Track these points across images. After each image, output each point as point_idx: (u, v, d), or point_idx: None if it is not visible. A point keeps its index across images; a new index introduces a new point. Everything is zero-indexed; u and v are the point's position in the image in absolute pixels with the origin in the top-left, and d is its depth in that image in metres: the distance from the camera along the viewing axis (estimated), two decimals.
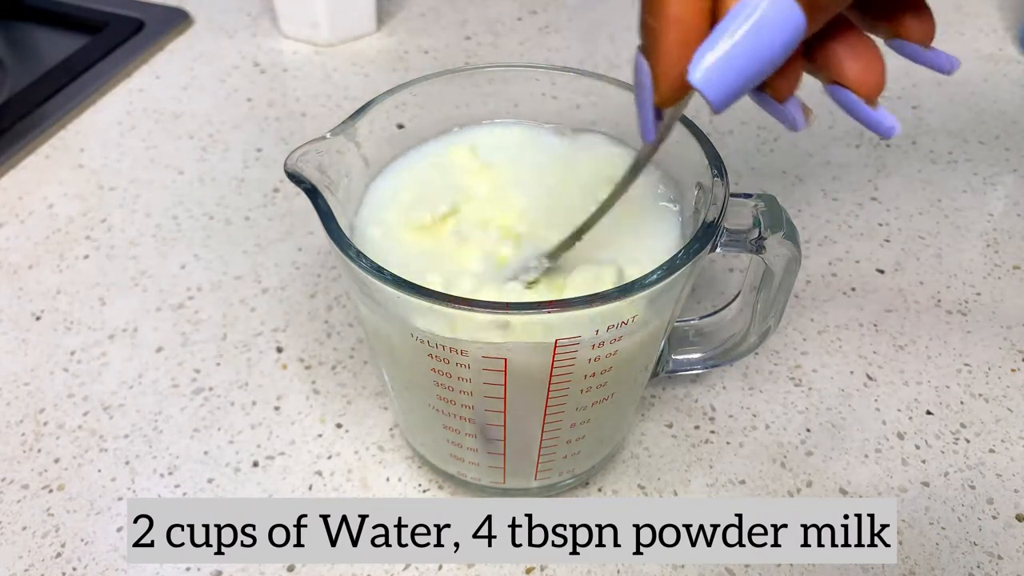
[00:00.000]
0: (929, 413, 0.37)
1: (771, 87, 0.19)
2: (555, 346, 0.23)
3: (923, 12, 0.21)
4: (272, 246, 0.44)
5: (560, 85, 0.30)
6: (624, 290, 0.22)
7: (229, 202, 0.47)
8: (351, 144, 0.28)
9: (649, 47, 0.19)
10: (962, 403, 0.37)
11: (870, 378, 0.38)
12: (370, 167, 0.29)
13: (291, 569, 0.31)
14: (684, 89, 0.18)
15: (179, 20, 0.61)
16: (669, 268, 0.23)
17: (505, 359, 0.24)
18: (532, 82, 0.31)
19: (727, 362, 0.34)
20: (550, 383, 0.25)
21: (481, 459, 0.30)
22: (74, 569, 0.31)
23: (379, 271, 0.23)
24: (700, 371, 0.35)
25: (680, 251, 0.23)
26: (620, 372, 0.26)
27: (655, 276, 0.23)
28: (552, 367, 0.24)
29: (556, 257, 0.26)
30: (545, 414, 0.27)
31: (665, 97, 0.19)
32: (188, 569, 0.31)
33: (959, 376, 0.38)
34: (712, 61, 0.17)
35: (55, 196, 0.47)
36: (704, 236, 0.24)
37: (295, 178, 0.25)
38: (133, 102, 0.54)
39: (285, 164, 0.25)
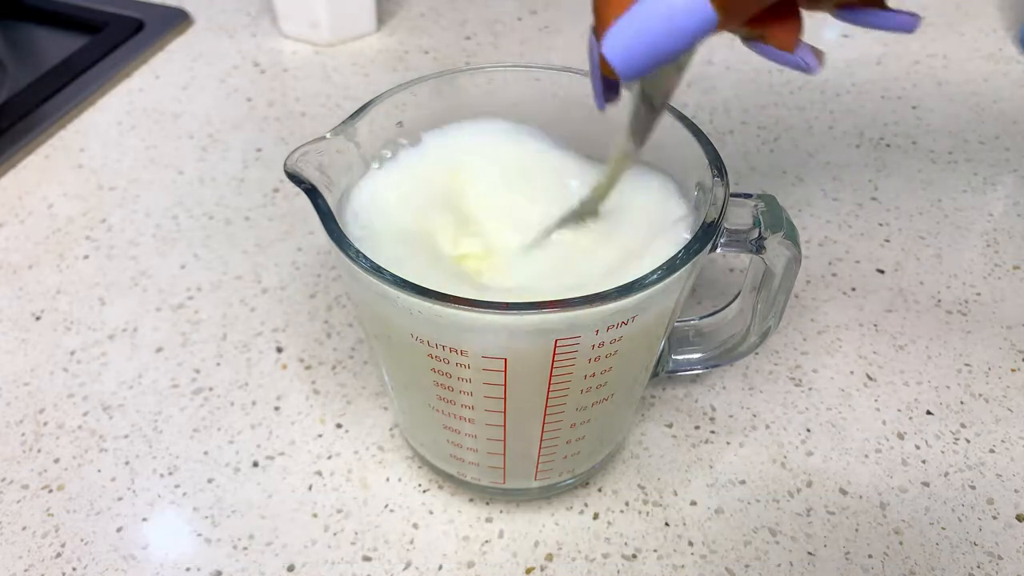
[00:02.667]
0: (929, 413, 0.37)
1: (776, 41, 0.21)
2: (555, 346, 0.23)
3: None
4: (272, 246, 0.44)
5: (560, 84, 0.30)
6: (623, 290, 0.22)
7: (229, 202, 0.47)
8: (351, 144, 0.28)
9: (595, 24, 0.21)
10: (962, 403, 0.37)
11: (870, 378, 0.38)
12: (369, 167, 0.29)
13: (291, 569, 0.31)
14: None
15: (179, 20, 0.61)
16: (669, 268, 0.23)
17: (505, 359, 0.24)
18: (533, 82, 0.31)
19: (727, 362, 0.34)
20: (550, 383, 0.25)
21: (481, 459, 0.30)
22: (74, 569, 0.31)
23: (378, 271, 0.23)
24: (700, 371, 0.35)
25: (680, 251, 0.23)
26: (620, 372, 0.26)
27: (655, 276, 0.23)
28: (552, 367, 0.24)
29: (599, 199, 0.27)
30: (545, 414, 0.27)
31: (607, 68, 0.20)
32: (188, 569, 0.31)
33: (959, 376, 0.38)
34: (619, 36, 0.19)
35: (55, 196, 0.47)
36: (704, 236, 0.24)
37: (295, 178, 0.25)
38: (133, 102, 0.54)
39: (285, 164, 0.25)
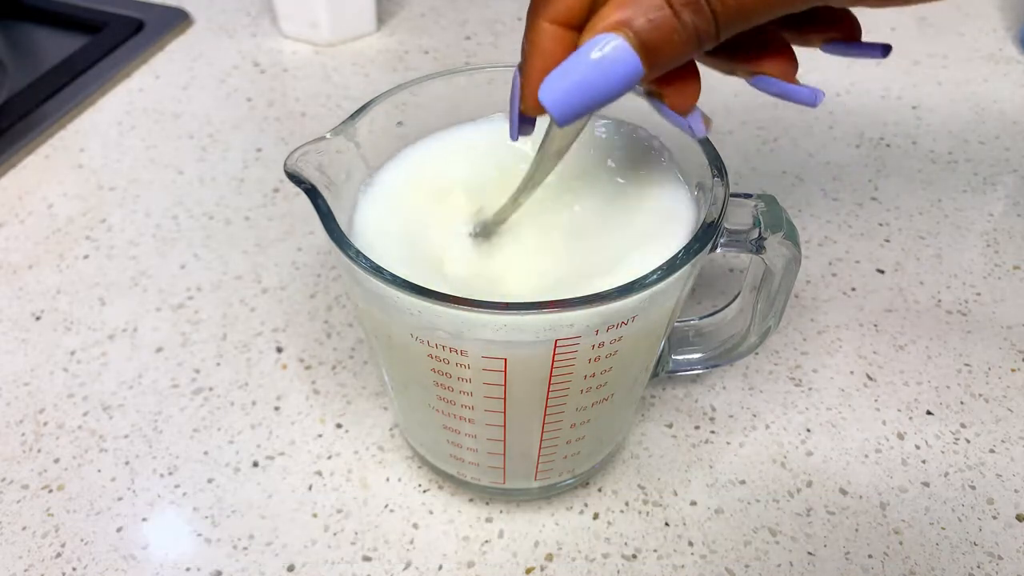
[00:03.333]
0: (929, 413, 0.37)
1: (671, 102, 0.23)
2: (555, 346, 0.23)
3: (785, 52, 0.24)
4: (272, 246, 0.44)
5: None
6: (623, 290, 0.22)
7: (229, 202, 0.47)
8: (351, 144, 0.28)
9: (523, 65, 0.23)
10: (962, 403, 0.37)
11: (870, 378, 0.38)
12: (370, 167, 0.29)
13: (291, 569, 0.31)
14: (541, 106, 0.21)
15: (179, 20, 0.61)
16: (669, 268, 0.23)
17: (505, 359, 0.24)
18: None
19: (727, 362, 0.34)
20: (550, 383, 0.25)
21: (481, 459, 0.30)
22: (74, 569, 0.31)
23: (379, 271, 0.23)
24: (700, 371, 0.35)
25: (680, 251, 0.23)
26: (620, 372, 0.26)
27: (655, 276, 0.23)
28: (552, 367, 0.24)
29: (500, 222, 0.27)
30: (545, 414, 0.27)
31: (528, 106, 0.22)
32: (188, 569, 0.31)
33: (959, 376, 0.38)
34: (555, 86, 0.20)
35: (55, 196, 0.47)
36: (704, 236, 0.24)
37: (295, 178, 0.25)
38: (133, 102, 0.54)
39: (285, 164, 0.25)
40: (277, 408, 0.37)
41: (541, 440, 0.29)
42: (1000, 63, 0.57)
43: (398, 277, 0.22)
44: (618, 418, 0.31)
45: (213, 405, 0.37)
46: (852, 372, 0.38)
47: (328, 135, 0.27)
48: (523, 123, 0.25)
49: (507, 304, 0.22)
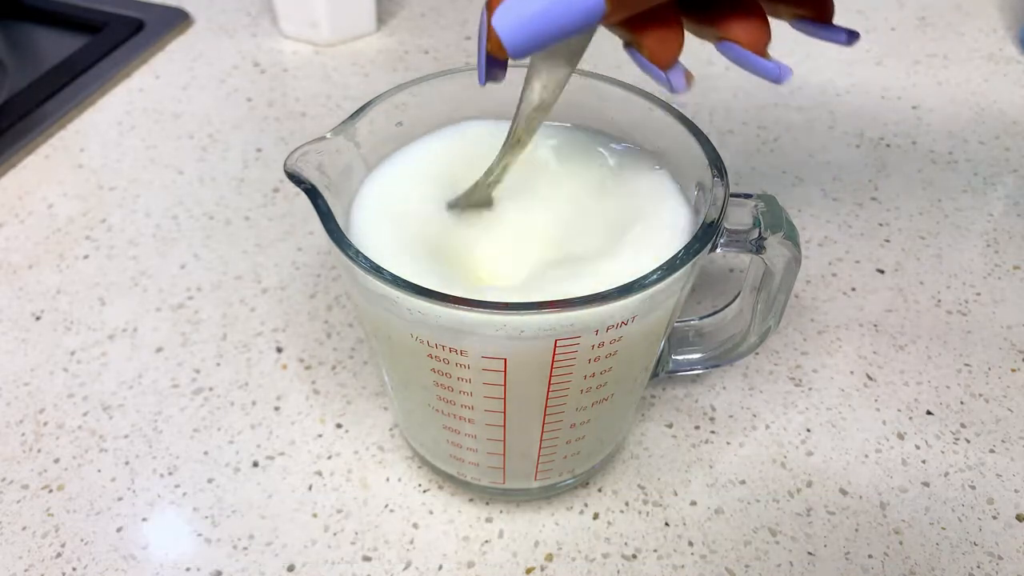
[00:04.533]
0: (929, 413, 0.37)
1: (650, 53, 0.21)
2: (555, 346, 0.23)
3: (757, 19, 0.23)
4: (272, 246, 0.44)
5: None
6: (623, 290, 0.22)
7: (229, 202, 0.47)
8: (351, 144, 0.28)
9: (489, 0, 0.21)
10: (962, 403, 0.37)
11: (870, 378, 0.38)
12: (369, 167, 0.29)
13: (291, 569, 0.31)
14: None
15: (179, 20, 0.61)
16: (669, 268, 0.23)
17: (504, 359, 0.24)
18: None
19: (727, 362, 0.34)
20: (550, 383, 0.25)
21: (481, 459, 0.30)
22: (74, 569, 0.31)
23: (378, 271, 0.23)
24: (700, 371, 0.35)
25: (680, 251, 0.23)
26: (620, 372, 0.26)
27: (655, 276, 0.23)
28: (552, 367, 0.24)
29: (488, 187, 0.27)
30: (545, 414, 0.27)
31: (494, 46, 0.21)
32: (188, 569, 0.31)
33: (959, 376, 0.38)
34: (511, 13, 0.19)
35: (55, 196, 0.47)
36: (704, 236, 0.24)
37: (295, 178, 0.25)
38: (133, 102, 0.54)
39: (285, 164, 0.25)
40: (277, 408, 0.37)
41: (541, 440, 0.29)
42: (1000, 63, 0.57)
43: (397, 277, 0.22)
44: (618, 418, 0.31)
45: (213, 405, 0.37)
46: (852, 372, 0.38)
47: (328, 135, 0.27)
48: (491, 66, 0.23)
49: (507, 304, 0.22)
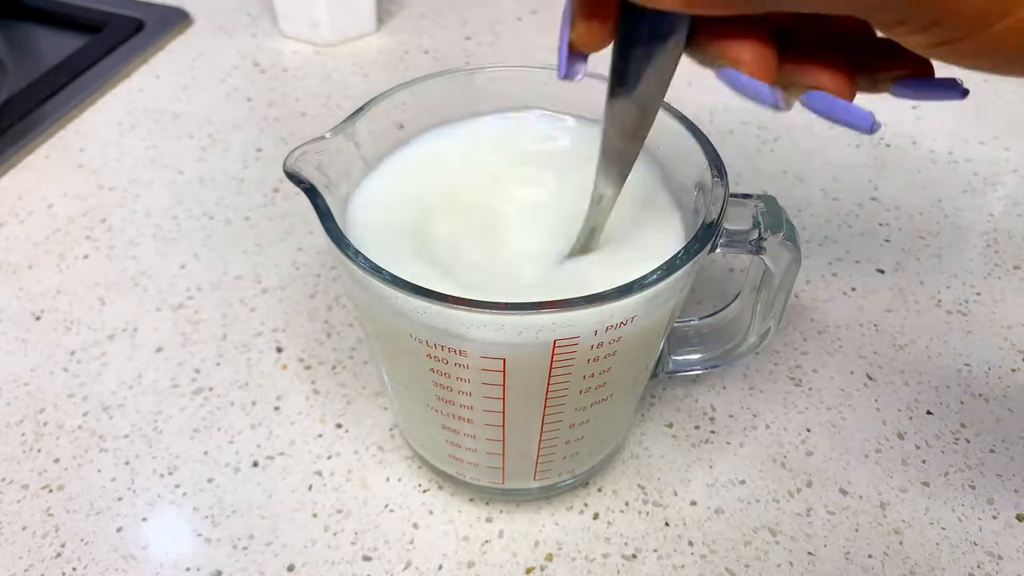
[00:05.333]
0: (929, 413, 0.37)
1: (749, 68, 0.20)
2: (554, 346, 0.23)
3: (841, 68, 0.21)
4: (272, 246, 0.44)
5: (560, 84, 0.30)
6: (623, 290, 0.22)
7: (229, 202, 0.47)
8: (350, 144, 0.28)
9: None
10: (962, 403, 0.37)
11: (870, 378, 0.38)
12: (369, 166, 0.29)
13: (291, 569, 0.31)
14: (606, 36, 0.20)
15: (179, 20, 0.61)
16: (669, 268, 0.23)
17: (504, 359, 0.24)
18: (533, 82, 0.30)
19: (727, 363, 0.34)
20: (549, 383, 0.25)
21: (480, 459, 0.30)
22: (74, 569, 0.31)
23: (377, 271, 0.23)
24: (700, 372, 0.35)
25: (680, 251, 0.23)
26: (619, 372, 0.26)
27: (655, 276, 0.23)
28: (551, 367, 0.24)
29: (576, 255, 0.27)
30: (544, 414, 0.27)
31: (579, 35, 0.21)
32: (188, 569, 0.31)
33: (959, 376, 0.38)
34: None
35: (55, 196, 0.47)
36: (704, 236, 0.24)
37: (294, 178, 0.25)
38: (133, 102, 0.54)
39: (284, 164, 0.25)
40: (277, 408, 0.37)
41: (540, 440, 0.29)
42: None
43: (396, 277, 0.22)
44: (617, 418, 0.31)
45: (213, 405, 0.37)
46: (852, 372, 0.38)
47: (328, 135, 0.27)
48: (572, 58, 0.22)
49: (506, 304, 0.22)
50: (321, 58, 0.58)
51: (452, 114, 0.31)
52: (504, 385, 0.25)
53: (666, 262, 0.23)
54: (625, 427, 0.34)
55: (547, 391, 0.26)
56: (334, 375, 0.38)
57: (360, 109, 0.28)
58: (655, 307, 0.25)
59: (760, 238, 0.27)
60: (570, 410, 0.27)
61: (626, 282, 0.22)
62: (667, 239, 0.27)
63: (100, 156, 0.50)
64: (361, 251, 0.23)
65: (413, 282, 0.22)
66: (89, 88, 0.54)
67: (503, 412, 0.27)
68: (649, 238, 0.27)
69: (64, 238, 0.45)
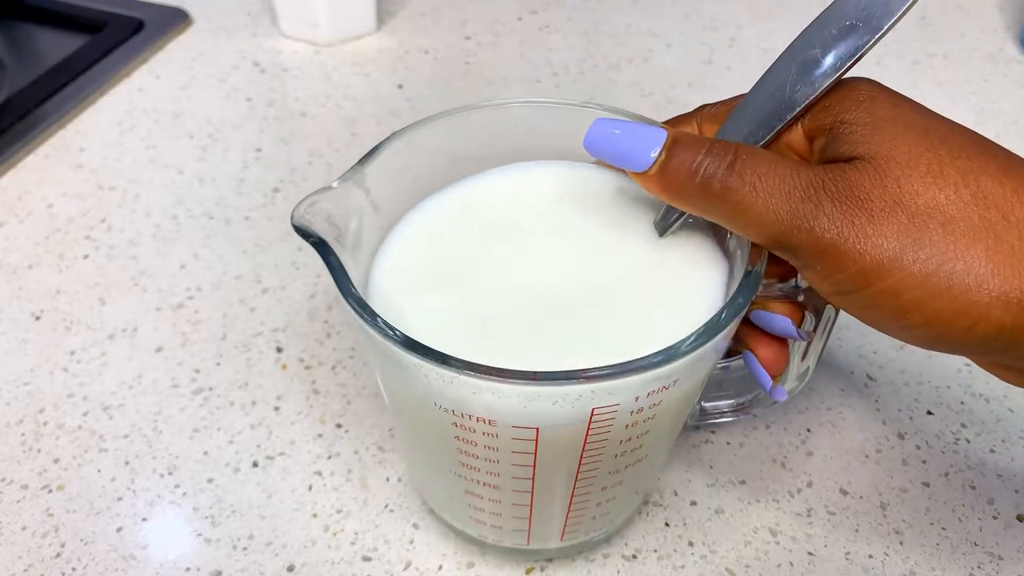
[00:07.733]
0: (929, 413, 0.37)
1: (763, 356, 0.27)
2: (591, 414, 0.22)
3: (780, 347, 0.27)
4: (272, 246, 0.44)
5: (582, 119, 0.26)
6: (667, 357, 0.20)
7: (229, 202, 0.47)
8: (360, 191, 0.25)
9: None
10: (962, 403, 0.37)
11: (870, 378, 0.38)
12: (381, 214, 0.27)
13: (291, 569, 0.31)
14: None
15: (179, 20, 0.61)
16: (713, 329, 0.21)
17: (537, 428, 0.22)
18: (554, 119, 0.28)
19: (762, 408, 0.32)
20: (583, 451, 0.23)
21: (504, 523, 0.29)
22: (74, 569, 0.31)
23: (403, 339, 0.21)
24: (731, 420, 0.33)
25: (723, 309, 0.22)
26: (656, 433, 0.25)
27: (698, 340, 0.21)
28: (587, 436, 0.23)
29: None
30: (576, 480, 0.25)
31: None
32: (188, 569, 0.31)
33: (959, 376, 0.38)
34: (600, 124, 0.24)
35: (55, 196, 0.47)
36: (747, 289, 0.22)
37: (303, 232, 0.23)
38: (133, 102, 0.54)
39: (292, 217, 0.23)
40: (277, 408, 0.37)
41: (570, 504, 0.27)
42: (1000, 63, 0.57)
43: (420, 344, 0.20)
44: (650, 474, 0.29)
45: (213, 405, 0.37)
46: (852, 372, 0.38)
47: (336, 183, 0.25)
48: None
49: (537, 373, 0.20)
50: (321, 58, 0.58)
51: (469, 156, 0.28)
52: (536, 453, 0.23)
53: (709, 322, 0.21)
54: (654, 479, 0.32)
55: (581, 458, 0.24)
56: (334, 375, 0.38)
57: (369, 153, 0.26)
58: (697, 366, 0.23)
59: (796, 285, 0.25)
60: (604, 473, 0.25)
61: (668, 346, 0.21)
62: (705, 291, 0.25)
63: (100, 156, 0.50)
64: (379, 315, 0.21)
65: (438, 349, 0.20)
66: (89, 88, 0.54)
67: (532, 479, 0.25)
68: (686, 276, 0.26)
69: (64, 238, 0.45)
